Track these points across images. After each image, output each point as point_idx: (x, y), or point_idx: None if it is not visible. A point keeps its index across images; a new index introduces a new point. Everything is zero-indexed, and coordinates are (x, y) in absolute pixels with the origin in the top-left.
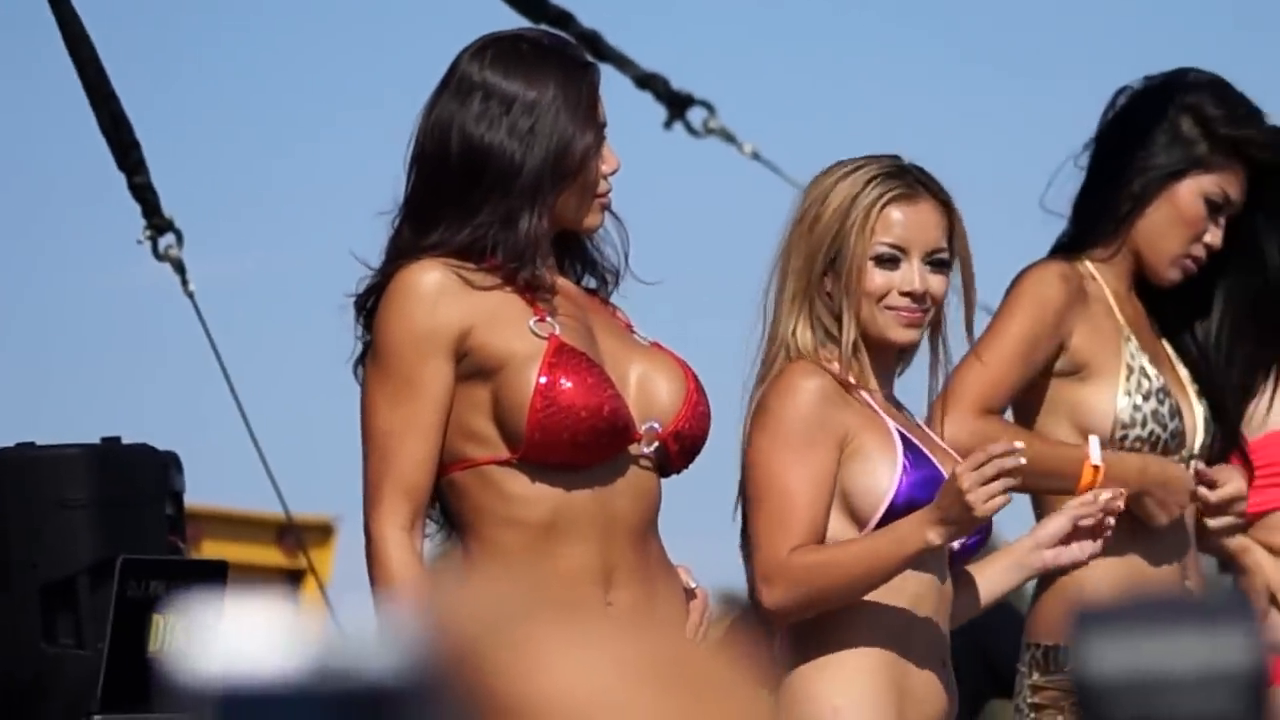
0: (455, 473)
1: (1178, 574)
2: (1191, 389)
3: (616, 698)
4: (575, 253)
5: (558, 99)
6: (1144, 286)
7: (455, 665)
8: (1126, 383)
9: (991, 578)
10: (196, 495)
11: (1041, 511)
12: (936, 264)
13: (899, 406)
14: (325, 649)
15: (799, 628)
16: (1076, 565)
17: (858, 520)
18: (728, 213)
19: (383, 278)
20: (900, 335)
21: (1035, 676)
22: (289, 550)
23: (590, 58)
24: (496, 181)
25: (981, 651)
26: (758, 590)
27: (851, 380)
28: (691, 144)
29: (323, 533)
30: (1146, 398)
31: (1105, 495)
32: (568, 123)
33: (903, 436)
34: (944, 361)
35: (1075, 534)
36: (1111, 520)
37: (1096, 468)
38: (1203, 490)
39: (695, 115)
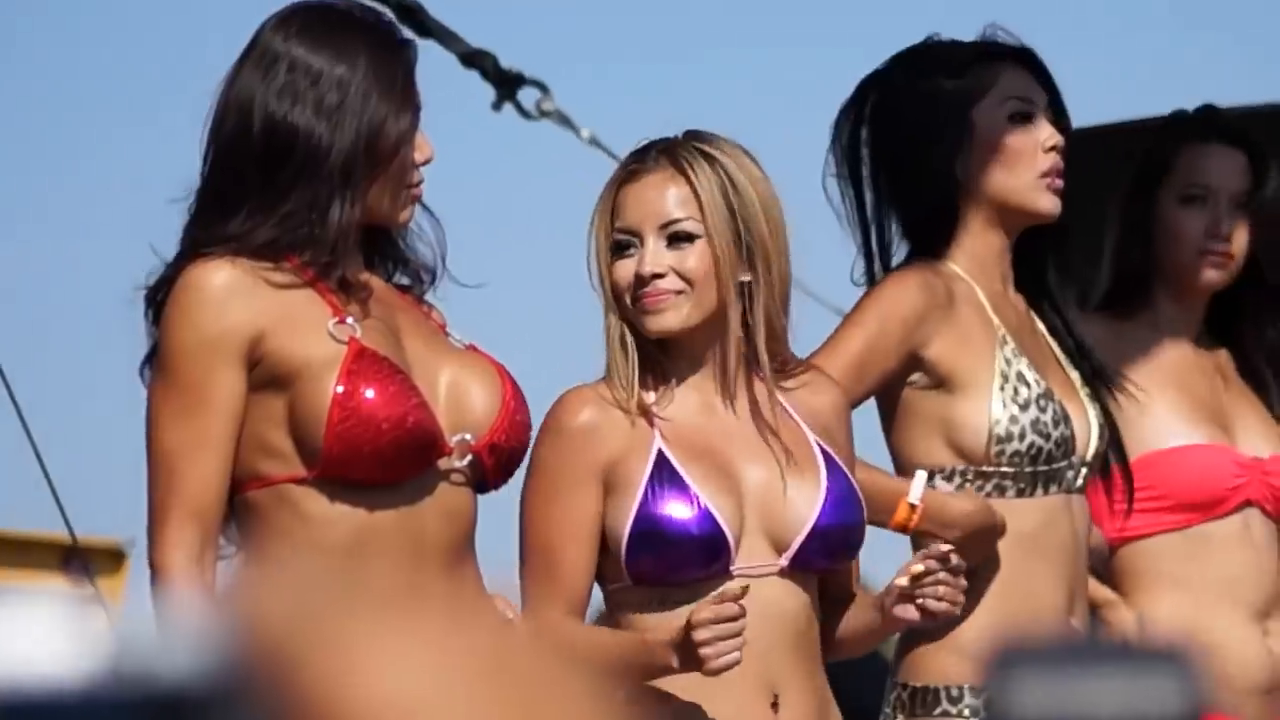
0: (250, 491)
1: (1063, 610)
2: (1084, 392)
3: (437, 698)
4: (383, 249)
5: (369, 76)
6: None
7: (261, 666)
8: (1001, 392)
9: (863, 616)
10: None
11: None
12: (677, 237)
13: (765, 382)
14: (119, 652)
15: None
16: (915, 625)
17: (612, 559)
18: (563, 203)
19: (173, 272)
20: (651, 324)
21: (900, 719)
22: (75, 577)
23: (410, 33)
24: (303, 165)
25: (840, 692)
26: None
27: (634, 402)
28: (523, 127)
29: (113, 559)
30: (1025, 406)
31: (942, 548)
32: (380, 102)
33: (661, 458)
34: (765, 334)
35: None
36: (959, 588)
37: (913, 506)
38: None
39: (528, 96)
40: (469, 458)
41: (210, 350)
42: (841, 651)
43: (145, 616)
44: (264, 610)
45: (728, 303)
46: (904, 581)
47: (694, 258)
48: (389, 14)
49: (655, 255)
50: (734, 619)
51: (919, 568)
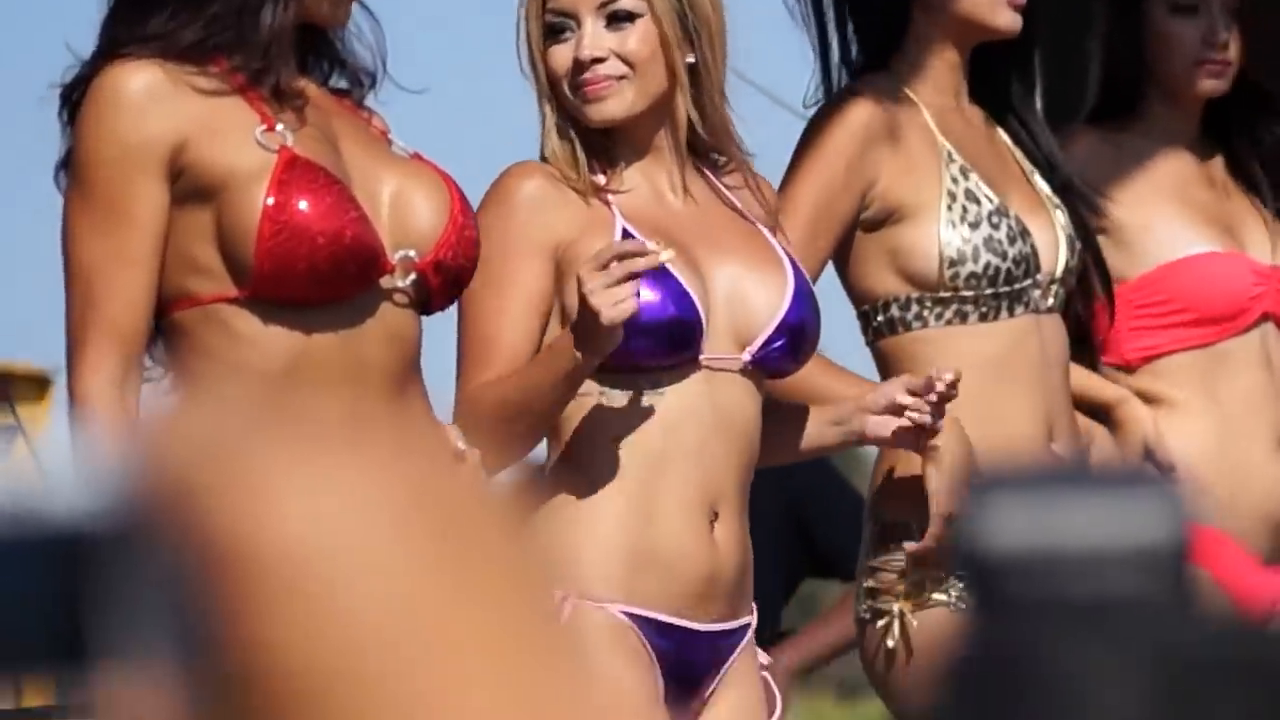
0: (177, 312)
1: (1041, 436)
2: (1051, 205)
3: (358, 540)
4: (319, 49)
5: None
6: None
7: (166, 505)
8: (949, 213)
9: (813, 425)
10: None
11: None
12: (616, 17)
13: (722, 181)
14: (12, 487)
15: None
16: (884, 444)
17: None
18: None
19: (90, 72)
20: (593, 113)
21: (872, 556)
22: None
23: None
24: None
25: (800, 525)
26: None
27: (584, 183)
28: None
29: (37, 385)
30: (976, 225)
31: (948, 376)
32: None
33: (627, 236)
34: (711, 122)
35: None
36: (939, 424)
37: None
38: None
39: None
40: (413, 276)
41: (129, 160)
42: (770, 462)
43: (48, 449)
44: (169, 443)
45: (675, 86)
46: (905, 399)
47: (636, 38)
48: None
49: (594, 38)
50: (621, 257)
51: (920, 384)
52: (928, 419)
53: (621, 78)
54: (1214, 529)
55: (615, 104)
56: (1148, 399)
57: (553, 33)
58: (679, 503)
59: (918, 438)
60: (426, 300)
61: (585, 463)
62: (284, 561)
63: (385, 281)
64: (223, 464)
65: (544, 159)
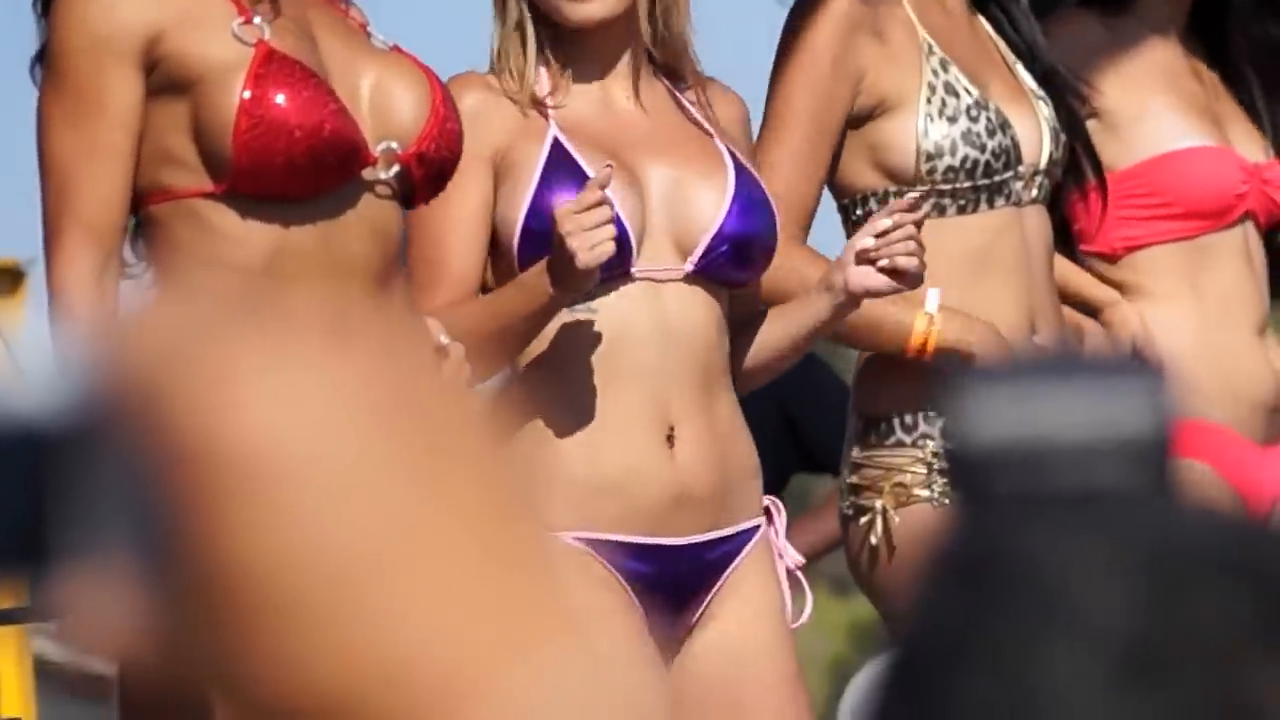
0: (154, 205)
1: (1024, 328)
2: (1034, 96)
3: (325, 440)
4: None
5: None
6: None
7: (131, 401)
8: (927, 105)
9: (802, 306)
10: None
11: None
12: None
13: (678, 96)
14: None
15: None
16: (881, 293)
17: (503, 255)
18: None
19: None
20: (573, 13)
21: (855, 452)
22: None
23: None
24: None
25: (790, 420)
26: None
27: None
28: None
29: (10, 278)
30: (954, 118)
31: (922, 207)
32: None
33: (557, 147)
34: (668, 28)
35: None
36: (912, 252)
37: (930, 316)
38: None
39: None
40: (395, 168)
41: (102, 50)
42: (756, 378)
43: (22, 343)
44: (134, 339)
45: None
46: (868, 242)
47: None
48: None
49: None
50: (599, 205)
51: (886, 222)
52: (899, 255)
53: None
54: (1207, 421)
55: (598, 5)
56: (1129, 289)
57: None
58: (627, 421)
59: (900, 279)
60: (410, 193)
61: (525, 387)
62: (248, 461)
63: (368, 173)
64: (188, 361)
65: (494, 58)
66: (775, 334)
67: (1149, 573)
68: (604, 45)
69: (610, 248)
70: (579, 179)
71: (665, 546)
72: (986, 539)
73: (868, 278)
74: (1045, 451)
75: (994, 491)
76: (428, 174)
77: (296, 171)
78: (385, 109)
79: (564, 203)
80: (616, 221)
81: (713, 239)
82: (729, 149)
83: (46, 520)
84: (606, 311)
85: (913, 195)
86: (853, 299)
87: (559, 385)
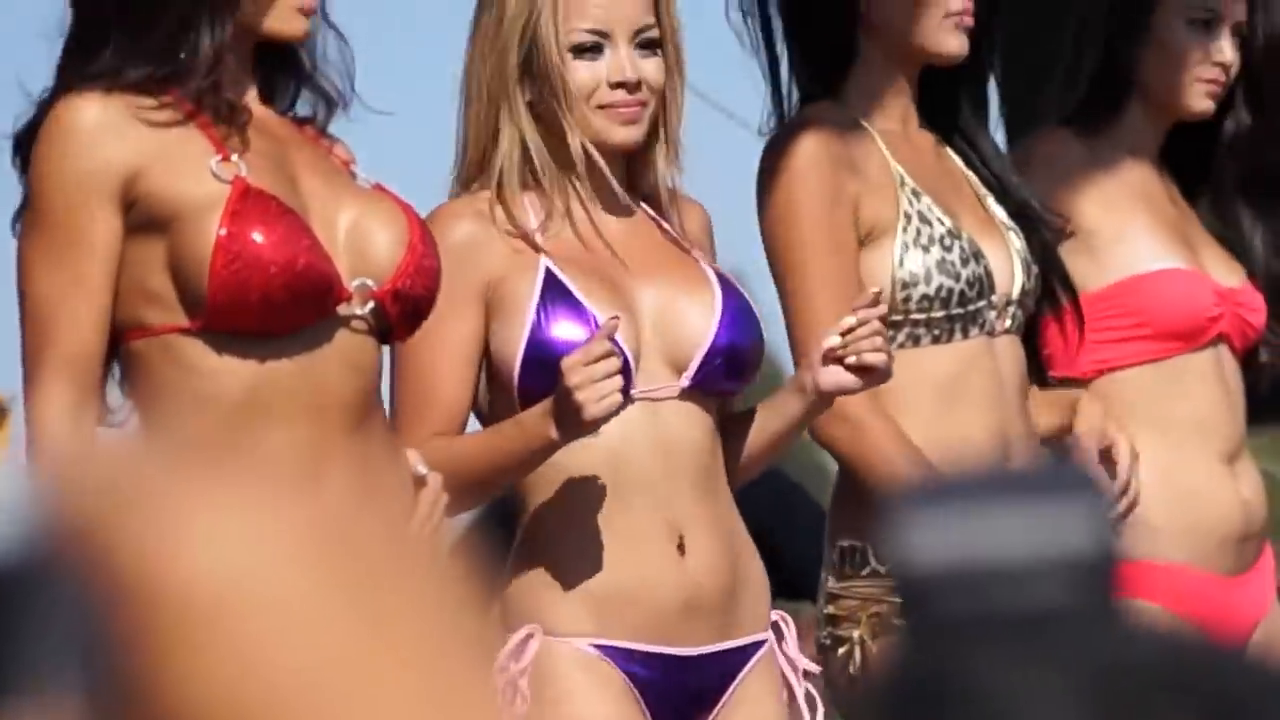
0: (133, 341)
1: (997, 443)
2: (1006, 227)
3: (269, 581)
4: (286, 72)
5: None
6: None
7: (80, 539)
8: (904, 234)
9: (776, 410)
10: None
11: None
12: (646, 45)
13: (656, 212)
14: None
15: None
16: (850, 390)
17: (502, 388)
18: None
19: (43, 114)
20: (620, 136)
21: (831, 582)
22: None
23: None
24: None
25: (767, 547)
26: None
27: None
28: None
29: None
30: (928, 248)
31: (867, 297)
32: None
33: (550, 277)
34: (673, 155)
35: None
36: (878, 348)
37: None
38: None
39: None
40: (370, 304)
41: (82, 188)
42: (746, 474)
43: (4, 477)
44: (85, 478)
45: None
46: (834, 340)
47: (657, 67)
48: None
49: (633, 61)
50: (606, 357)
51: (850, 320)
52: (866, 351)
53: (644, 104)
54: (1159, 561)
55: (639, 129)
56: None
57: (579, 50)
58: (637, 534)
59: (868, 376)
60: (387, 329)
61: (537, 505)
62: (192, 601)
63: (343, 309)
64: (136, 501)
65: (498, 180)
66: (754, 437)
67: (1098, 694)
68: (613, 165)
69: (618, 399)
70: (574, 308)
71: (677, 656)
72: (935, 665)
73: (837, 376)
74: (988, 573)
75: (939, 615)
76: (404, 310)
77: (272, 307)
78: (362, 246)
79: (571, 355)
80: (620, 353)
81: (706, 354)
82: (710, 265)
83: None
84: (607, 433)
85: (874, 290)
86: (825, 398)
87: (567, 501)
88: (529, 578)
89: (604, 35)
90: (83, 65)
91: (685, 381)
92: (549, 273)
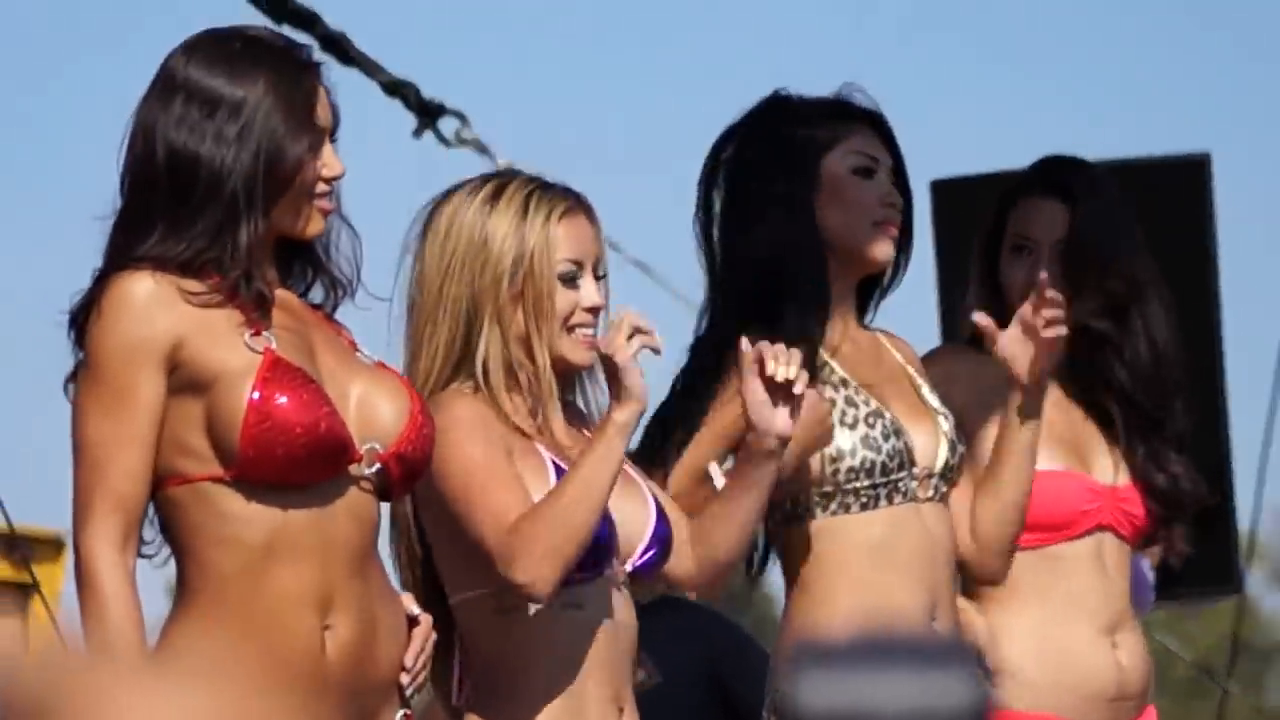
0: (171, 488)
1: (926, 613)
2: (938, 413)
3: None
4: (304, 259)
5: (267, 100)
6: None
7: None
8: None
9: (737, 483)
10: None
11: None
12: (601, 276)
13: (582, 422)
14: None
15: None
16: (785, 431)
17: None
18: None
19: (97, 291)
20: (582, 357)
21: None
22: (15, 564)
23: (334, 63)
24: (207, 191)
25: (719, 685)
26: (510, 574)
27: (528, 423)
28: (442, 154)
29: (53, 548)
30: (854, 425)
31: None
32: (279, 125)
33: (556, 466)
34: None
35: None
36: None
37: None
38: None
39: (447, 125)
40: (376, 465)
41: (134, 353)
42: (741, 550)
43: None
44: (17, 677)
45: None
46: (752, 378)
47: (606, 293)
48: (313, 43)
49: (596, 290)
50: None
51: (751, 356)
52: (775, 369)
53: (595, 327)
54: (1028, 712)
55: (594, 354)
56: (983, 593)
57: (564, 279)
58: (599, 705)
59: (791, 400)
60: (387, 488)
61: (513, 679)
62: None
63: (354, 469)
64: (59, 690)
65: (529, 402)
66: (730, 510)
67: None
68: (567, 381)
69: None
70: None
71: None
72: None
73: (763, 413)
74: None
75: None
76: (404, 472)
77: (295, 463)
78: (370, 414)
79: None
80: (609, 528)
81: (647, 544)
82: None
83: None
84: (585, 608)
85: (746, 343)
86: (778, 443)
87: (541, 674)
88: None
89: (580, 265)
90: (129, 249)
91: (629, 567)
92: (557, 467)
